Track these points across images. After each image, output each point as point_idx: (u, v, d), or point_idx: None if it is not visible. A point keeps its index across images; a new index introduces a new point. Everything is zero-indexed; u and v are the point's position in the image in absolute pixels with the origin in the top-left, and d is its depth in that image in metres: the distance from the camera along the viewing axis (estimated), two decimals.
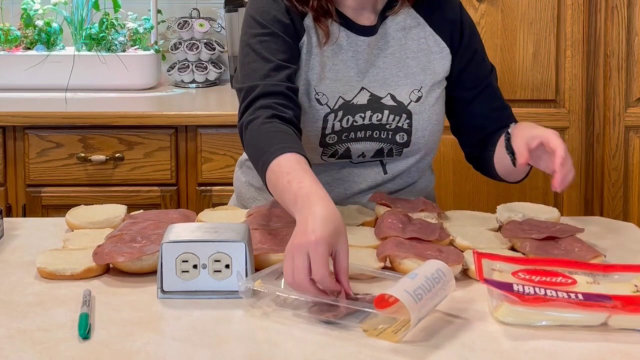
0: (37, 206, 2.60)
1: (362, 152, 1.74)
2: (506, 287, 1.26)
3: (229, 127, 2.54)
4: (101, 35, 2.86)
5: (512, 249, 1.53)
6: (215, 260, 1.32)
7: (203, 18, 3.03)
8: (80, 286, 1.37)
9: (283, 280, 1.30)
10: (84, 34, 2.87)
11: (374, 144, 1.73)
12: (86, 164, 2.59)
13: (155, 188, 2.62)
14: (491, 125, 1.77)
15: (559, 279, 1.31)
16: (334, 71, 1.71)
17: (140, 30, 2.93)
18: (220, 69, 3.01)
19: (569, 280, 1.31)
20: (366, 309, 1.23)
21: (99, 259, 1.42)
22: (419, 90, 1.73)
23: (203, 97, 2.86)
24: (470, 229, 1.59)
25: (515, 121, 1.74)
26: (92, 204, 1.73)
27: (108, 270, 1.44)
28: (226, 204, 1.98)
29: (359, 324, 1.23)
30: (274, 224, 1.56)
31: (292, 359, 1.16)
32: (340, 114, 1.70)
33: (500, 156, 1.70)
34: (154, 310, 1.30)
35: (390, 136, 1.73)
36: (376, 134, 1.73)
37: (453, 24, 1.77)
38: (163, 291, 1.33)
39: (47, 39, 2.89)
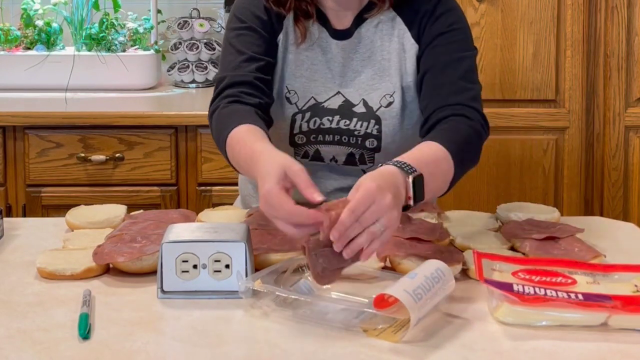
0: (37, 206, 2.60)
1: (332, 156, 1.74)
2: (506, 287, 1.26)
3: None
4: (101, 35, 2.86)
5: (512, 249, 1.53)
6: (215, 260, 1.32)
7: (203, 18, 3.03)
8: (80, 286, 1.37)
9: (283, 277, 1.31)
10: (84, 34, 2.87)
11: (344, 149, 1.72)
12: (86, 164, 2.59)
13: (155, 188, 2.62)
14: (431, 104, 1.63)
15: (559, 279, 1.31)
16: (312, 71, 1.71)
17: (140, 30, 2.93)
18: None
19: (569, 280, 1.31)
20: (366, 309, 1.23)
21: (99, 259, 1.42)
22: (391, 96, 1.69)
23: (203, 97, 2.85)
24: (470, 229, 1.59)
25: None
26: (92, 204, 1.73)
27: (108, 270, 1.44)
28: (226, 203, 1.99)
29: (359, 324, 1.23)
30: (274, 224, 1.56)
31: (292, 359, 1.16)
32: (307, 115, 1.71)
33: None
34: (154, 310, 1.30)
35: (359, 142, 1.71)
36: (345, 138, 1.71)
37: (423, 15, 1.68)
38: (163, 291, 1.33)
39: (47, 39, 2.89)
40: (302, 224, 1.25)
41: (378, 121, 1.70)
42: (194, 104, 2.83)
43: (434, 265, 1.29)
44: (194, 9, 3.06)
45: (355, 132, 1.71)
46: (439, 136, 1.52)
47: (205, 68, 2.97)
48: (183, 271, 1.33)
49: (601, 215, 2.71)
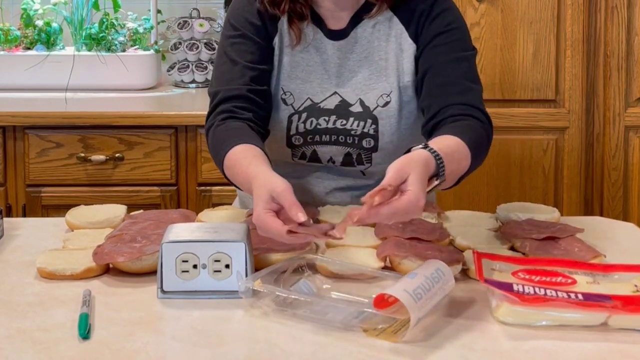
0: (37, 206, 2.60)
1: (330, 157, 1.74)
2: (506, 287, 1.26)
3: None
4: (101, 35, 2.86)
5: (512, 249, 1.53)
6: (215, 260, 1.32)
7: (203, 18, 3.03)
8: (80, 286, 1.37)
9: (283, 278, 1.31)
10: (84, 34, 2.87)
11: (340, 149, 1.72)
12: (86, 164, 2.59)
13: (155, 188, 2.62)
14: (436, 102, 1.63)
15: (559, 279, 1.31)
16: (307, 72, 1.71)
17: (140, 30, 2.93)
18: None
19: (569, 280, 1.31)
20: (366, 309, 1.23)
21: (99, 259, 1.42)
22: (388, 95, 1.69)
23: (203, 97, 2.85)
24: (470, 229, 1.59)
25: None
26: (92, 204, 1.73)
27: (108, 270, 1.44)
28: (226, 203, 1.99)
29: (359, 324, 1.23)
30: None
31: (292, 359, 1.16)
32: (304, 115, 1.71)
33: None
34: (154, 310, 1.30)
35: (356, 141, 1.71)
36: (342, 138, 1.71)
37: (420, 15, 1.68)
38: (163, 291, 1.33)
39: (47, 39, 2.89)
40: (291, 242, 1.33)
41: (375, 121, 1.70)
42: (194, 104, 2.83)
43: (434, 265, 1.29)
44: (194, 9, 3.06)
45: (352, 132, 1.71)
46: (459, 132, 1.51)
47: (205, 68, 2.97)
48: (183, 271, 1.33)
49: (601, 215, 2.71)
